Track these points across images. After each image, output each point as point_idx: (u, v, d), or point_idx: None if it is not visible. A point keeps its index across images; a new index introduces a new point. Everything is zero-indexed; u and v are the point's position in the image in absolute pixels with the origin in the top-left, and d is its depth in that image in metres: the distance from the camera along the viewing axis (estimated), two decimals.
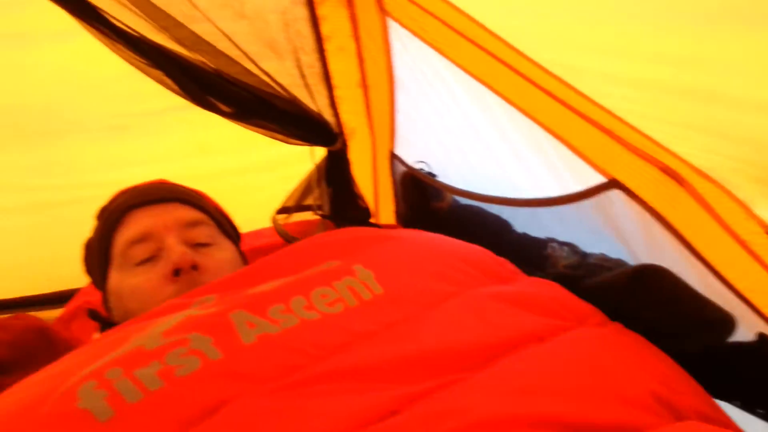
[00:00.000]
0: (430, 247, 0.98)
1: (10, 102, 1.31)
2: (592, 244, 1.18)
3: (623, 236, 1.08)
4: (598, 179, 1.02)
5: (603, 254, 1.16)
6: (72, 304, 1.62)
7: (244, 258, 1.15)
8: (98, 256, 1.09)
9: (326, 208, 1.62)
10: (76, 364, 0.70)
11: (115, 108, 1.40)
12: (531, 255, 1.17)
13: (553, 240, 1.23)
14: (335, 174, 1.55)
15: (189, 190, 1.17)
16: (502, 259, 1.01)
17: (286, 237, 1.66)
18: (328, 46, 1.21)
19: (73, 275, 1.68)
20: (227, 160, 1.58)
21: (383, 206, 1.75)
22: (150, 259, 1.02)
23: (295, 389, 0.65)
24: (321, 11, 1.14)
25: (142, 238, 1.03)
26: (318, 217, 1.68)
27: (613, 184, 0.99)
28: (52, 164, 1.48)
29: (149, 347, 0.69)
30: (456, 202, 1.44)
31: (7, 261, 1.65)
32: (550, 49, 0.86)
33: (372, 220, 1.70)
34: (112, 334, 0.81)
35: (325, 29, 1.17)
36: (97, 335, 1.35)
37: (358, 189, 1.62)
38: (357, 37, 1.18)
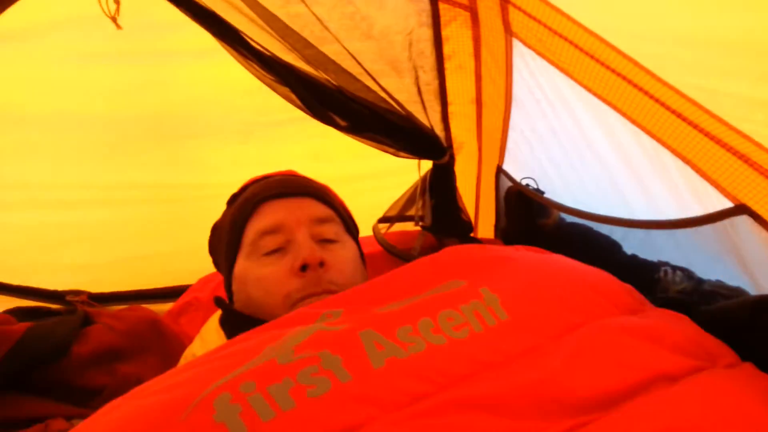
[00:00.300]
0: (557, 271, 0.94)
1: (156, 110, 1.43)
2: (708, 271, 1.15)
3: (746, 264, 1.05)
4: (724, 204, 1.00)
5: (720, 281, 1.13)
6: (182, 300, 1.72)
7: (363, 256, 1.18)
8: (228, 241, 1.12)
9: (428, 220, 1.64)
10: (210, 370, 0.71)
11: (243, 118, 1.49)
12: (641, 278, 1.13)
13: (665, 264, 1.21)
14: (440, 186, 1.57)
15: (319, 186, 1.19)
16: (629, 286, 0.96)
17: (386, 245, 1.70)
18: (448, 65, 1.24)
19: (185, 272, 1.80)
20: (338, 169, 1.63)
21: (483, 221, 1.76)
22: (278, 251, 1.04)
23: (424, 418, 0.64)
24: (446, 32, 1.18)
25: (273, 230, 1.05)
26: (418, 228, 1.71)
27: (741, 209, 0.97)
28: (184, 163, 1.59)
29: (281, 362, 0.69)
30: (563, 219, 1.44)
31: (125, 254, 1.78)
32: (686, 72, 0.85)
33: (471, 235, 1.71)
34: (243, 340, 0.80)
35: (447, 49, 1.20)
36: (211, 326, 1.43)
37: (461, 202, 1.64)
38: (477, 56, 1.21)
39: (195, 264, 1.77)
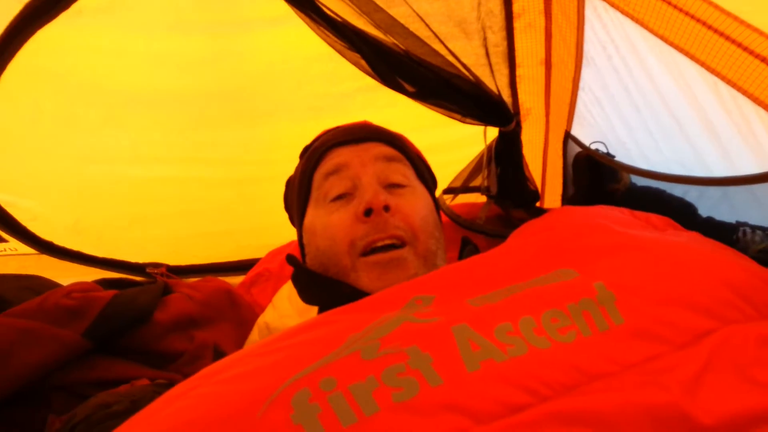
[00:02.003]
0: (688, 262, 0.81)
1: (231, 83, 1.47)
2: None
3: None
4: None
5: None
6: (253, 271, 1.79)
7: (439, 209, 1.12)
8: (298, 192, 1.10)
9: (493, 189, 1.64)
10: (290, 357, 0.67)
11: (313, 89, 1.52)
12: (718, 240, 1.11)
13: (744, 224, 1.17)
14: (506, 155, 1.56)
15: (391, 132, 1.15)
16: None
17: (451, 215, 1.71)
18: (517, 24, 1.22)
19: (257, 247, 1.87)
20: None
21: (550, 190, 1.75)
22: (344, 197, 1.01)
23: (519, 431, 0.58)
24: None
25: (336, 170, 1.02)
26: (484, 198, 1.71)
27: None
28: (258, 141, 1.63)
29: (365, 357, 0.64)
30: (634, 184, 1.41)
31: (201, 229, 1.86)
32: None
33: (537, 204, 1.71)
34: (325, 323, 0.75)
35: (516, 7, 1.19)
36: (283, 294, 1.47)
37: (528, 171, 1.63)
38: (548, 13, 1.19)
39: (266, 239, 1.85)
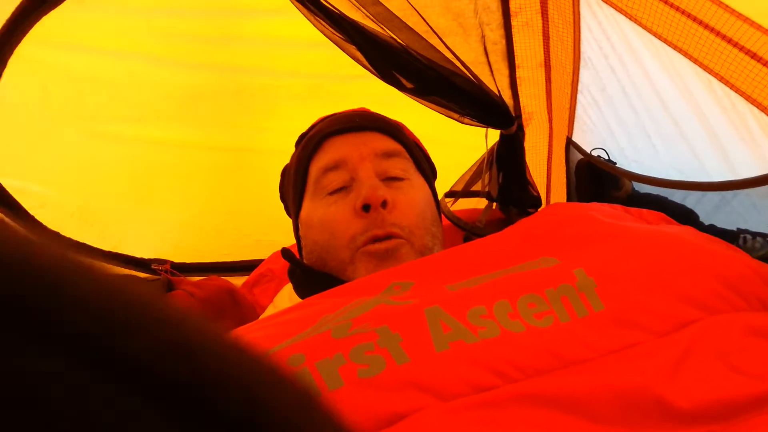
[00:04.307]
0: (675, 252, 0.78)
1: (227, 66, 1.50)
2: None
3: None
4: None
5: None
6: (256, 271, 1.78)
7: (437, 199, 1.12)
8: (294, 183, 1.09)
9: (494, 194, 1.62)
10: (263, 338, 0.68)
11: (313, 70, 1.54)
12: None
13: (745, 231, 1.15)
14: (508, 159, 1.53)
15: (389, 120, 1.13)
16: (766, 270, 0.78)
17: (452, 217, 1.69)
18: (515, 22, 1.20)
19: (262, 244, 1.87)
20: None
21: (555, 197, 1.72)
22: (342, 189, 1.00)
23: (482, 410, 0.57)
24: None
25: (335, 166, 1.01)
26: (485, 202, 1.69)
27: None
28: (261, 129, 1.65)
29: (336, 336, 0.65)
30: (635, 191, 1.38)
31: (205, 226, 1.87)
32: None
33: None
34: (302, 307, 0.77)
35: (513, 4, 1.17)
36: (284, 294, 1.46)
37: (530, 176, 1.60)
38: (544, 13, 1.17)
39: (271, 236, 1.84)
